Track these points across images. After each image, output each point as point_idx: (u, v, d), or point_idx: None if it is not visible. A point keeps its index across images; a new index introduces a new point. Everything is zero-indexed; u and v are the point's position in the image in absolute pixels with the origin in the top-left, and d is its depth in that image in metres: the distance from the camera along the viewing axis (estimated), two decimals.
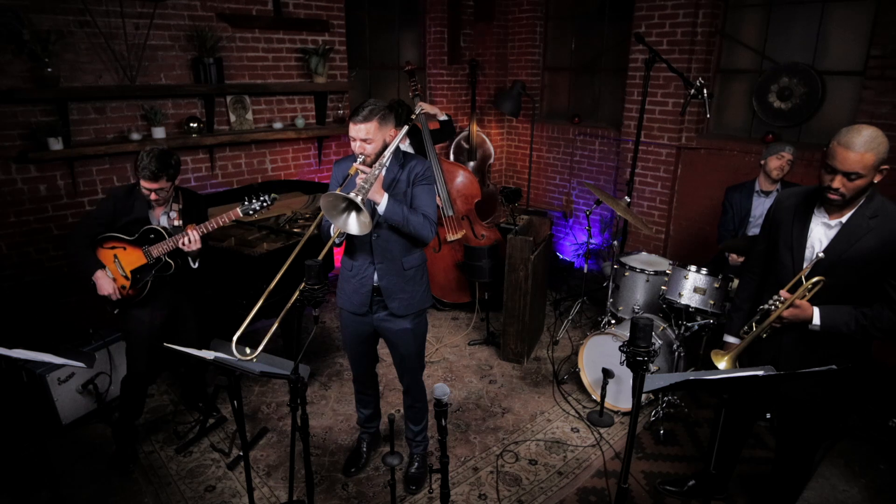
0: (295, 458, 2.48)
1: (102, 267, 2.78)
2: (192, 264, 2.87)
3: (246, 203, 2.80)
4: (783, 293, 2.15)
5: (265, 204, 2.82)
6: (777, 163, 3.49)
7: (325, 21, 4.66)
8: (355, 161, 2.27)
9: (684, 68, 4.50)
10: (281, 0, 4.41)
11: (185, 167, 4.21)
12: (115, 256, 2.80)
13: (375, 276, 2.48)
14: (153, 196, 2.71)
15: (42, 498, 2.72)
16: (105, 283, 2.76)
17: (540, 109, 6.07)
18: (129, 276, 2.80)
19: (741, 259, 3.53)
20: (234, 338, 2.13)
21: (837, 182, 1.97)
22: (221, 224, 2.76)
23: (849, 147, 1.92)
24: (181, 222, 2.84)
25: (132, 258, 2.79)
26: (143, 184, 2.67)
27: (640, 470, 2.98)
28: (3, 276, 3.58)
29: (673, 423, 3.34)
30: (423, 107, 4.18)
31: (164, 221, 2.85)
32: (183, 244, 2.71)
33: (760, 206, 3.60)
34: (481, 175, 5.61)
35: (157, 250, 2.77)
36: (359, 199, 2.03)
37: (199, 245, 2.73)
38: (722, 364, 2.33)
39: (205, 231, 2.74)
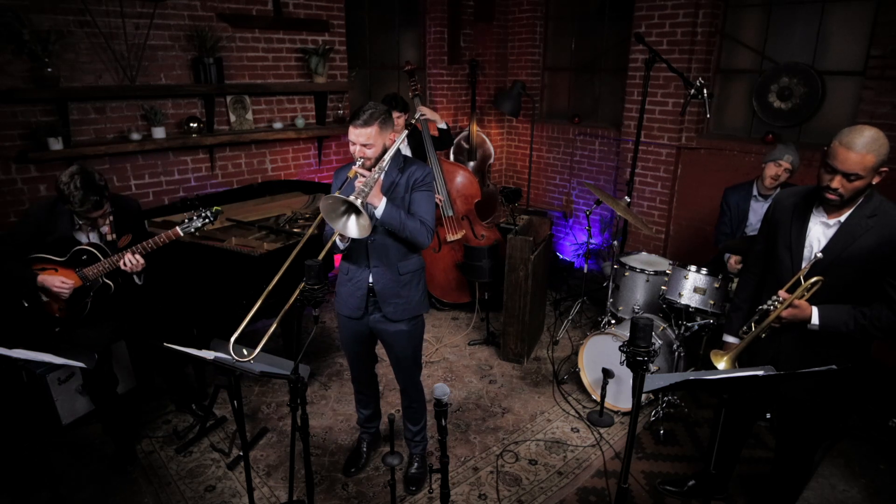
0: (295, 458, 2.48)
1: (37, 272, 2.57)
2: (137, 281, 2.70)
3: (186, 222, 2.64)
4: (782, 293, 2.15)
5: (207, 220, 2.66)
6: (773, 170, 3.38)
7: (325, 21, 4.66)
8: (354, 165, 2.27)
9: (684, 68, 4.50)
10: (281, 0, 4.41)
11: (185, 167, 4.22)
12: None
13: (371, 280, 2.48)
14: (100, 222, 2.55)
15: (42, 498, 2.71)
16: (57, 281, 2.55)
17: (540, 109, 6.07)
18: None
19: (739, 265, 3.48)
20: (232, 339, 2.10)
21: (837, 182, 1.97)
22: (160, 243, 2.61)
23: (850, 147, 1.92)
24: (115, 235, 2.68)
25: (67, 280, 2.61)
26: (89, 216, 2.50)
27: (640, 470, 2.98)
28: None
29: (673, 423, 3.34)
30: (423, 112, 4.18)
31: (93, 237, 2.67)
32: (123, 265, 2.55)
33: (758, 210, 3.54)
34: (481, 175, 5.61)
35: (93, 272, 2.60)
36: (359, 202, 2.03)
37: (142, 265, 2.58)
38: (721, 364, 2.33)
39: (143, 251, 2.59)
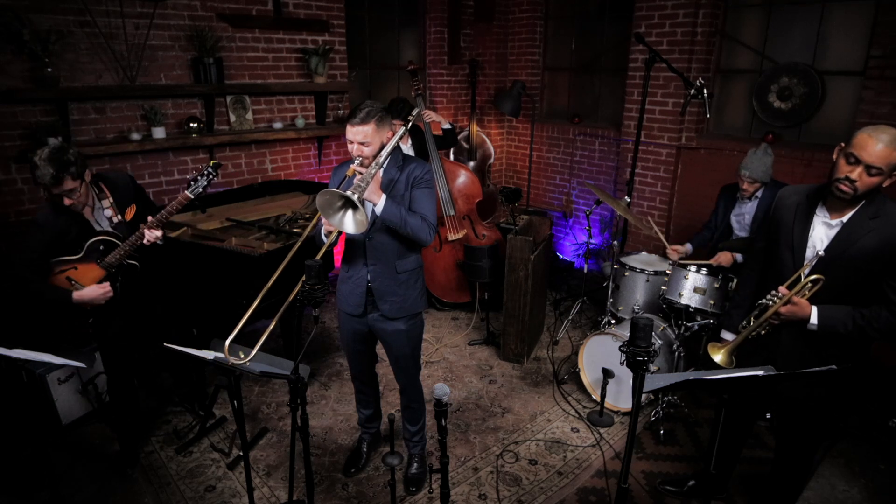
0: (295, 458, 2.48)
1: (70, 289, 2.57)
2: (159, 243, 2.70)
3: (192, 184, 2.63)
4: (782, 289, 2.14)
5: (211, 176, 2.65)
6: (741, 182, 3.40)
7: (325, 21, 4.66)
8: (353, 164, 2.27)
9: (684, 68, 4.50)
10: (281, 0, 4.42)
11: (184, 167, 4.22)
12: (70, 279, 2.60)
13: (368, 278, 2.48)
14: (67, 201, 2.45)
15: (42, 498, 2.71)
16: (92, 292, 2.57)
17: (540, 109, 6.07)
18: None
19: (678, 254, 3.62)
20: (227, 342, 2.08)
21: (857, 173, 1.95)
22: (175, 210, 2.61)
23: (879, 139, 1.91)
24: (119, 216, 2.67)
25: (89, 274, 2.61)
26: (52, 191, 2.42)
27: (640, 470, 2.98)
28: (3, 276, 3.58)
29: (673, 423, 3.34)
30: (430, 115, 4.17)
31: (103, 223, 2.65)
32: (148, 241, 2.56)
33: (739, 210, 3.56)
34: (481, 175, 5.61)
35: (115, 258, 2.60)
36: (355, 197, 2.03)
37: (161, 234, 2.60)
38: (718, 357, 2.32)
39: (162, 221, 2.60)
